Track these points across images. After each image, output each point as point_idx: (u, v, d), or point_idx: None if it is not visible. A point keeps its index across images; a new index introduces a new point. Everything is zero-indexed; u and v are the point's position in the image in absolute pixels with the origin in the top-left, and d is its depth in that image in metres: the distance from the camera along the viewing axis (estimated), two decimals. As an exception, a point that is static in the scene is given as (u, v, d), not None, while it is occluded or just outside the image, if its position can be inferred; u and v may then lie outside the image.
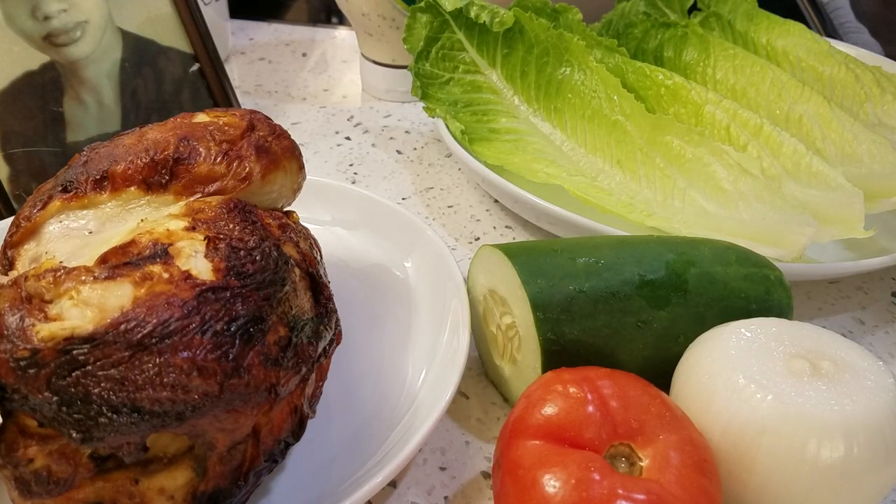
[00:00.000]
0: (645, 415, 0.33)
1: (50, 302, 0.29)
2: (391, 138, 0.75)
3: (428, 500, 0.40)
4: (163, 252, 0.31)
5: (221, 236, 0.33)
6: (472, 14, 0.61)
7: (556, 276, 0.40)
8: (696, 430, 0.34)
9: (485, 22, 0.61)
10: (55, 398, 0.27)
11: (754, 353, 0.36)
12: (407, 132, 0.76)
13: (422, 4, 0.64)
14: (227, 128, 0.40)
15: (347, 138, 0.75)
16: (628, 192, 0.55)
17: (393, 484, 0.41)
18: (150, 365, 0.28)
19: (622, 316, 0.40)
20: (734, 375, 0.35)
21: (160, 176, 0.37)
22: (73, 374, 0.27)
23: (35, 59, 0.59)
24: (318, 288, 0.37)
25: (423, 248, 0.51)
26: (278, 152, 0.41)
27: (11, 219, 0.44)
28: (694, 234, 0.51)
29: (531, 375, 0.40)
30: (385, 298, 0.50)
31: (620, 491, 0.30)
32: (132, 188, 0.37)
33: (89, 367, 0.27)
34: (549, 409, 0.34)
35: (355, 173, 0.69)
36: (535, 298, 0.39)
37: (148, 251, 0.31)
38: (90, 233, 0.36)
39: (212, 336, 0.29)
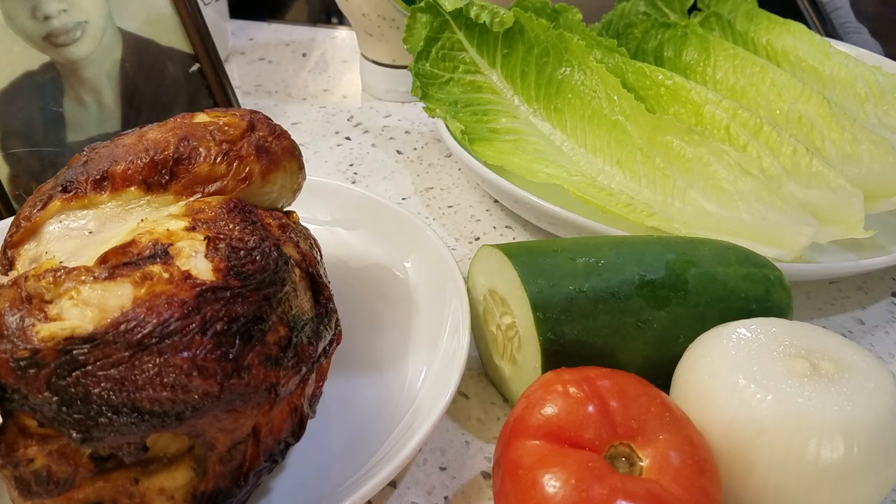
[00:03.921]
0: (645, 415, 0.33)
1: (50, 302, 0.29)
2: (391, 138, 0.75)
3: (428, 500, 0.40)
4: (163, 252, 0.31)
5: (221, 236, 0.33)
6: (472, 14, 0.61)
7: (556, 276, 0.40)
8: (696, 430, 0.34)
9: (485, 22, 0.61)
10: (55, 398, 0.27)
11: (754, 353, 0.36)
12: (407, 132, 0.76)
13: (422, 4, 0.64)
14: (227, 128, 0.40)
15: (347, 138, 0.75)
16: (628, 192, 0.55)
17: (393, 484, 0.41)
18: (150, 365, 0.28)
19: (622, 316, 0.40)
20: (734, 375, 0.35)
21: (160, 176, 0.37)
22: (73, 374, 0.27)
23: (35, 59, 0.59)
24: (318, 288, 0.37)
25: (423, 248, 0.51)
26: (278, 152, 0.41)
27: (11, 219, 0.44)
28: (694, 234, 0.51)
29: (531, 375, 0.40)
30: (385, 298, 0.50)
31: (620, 491, 0.30)
32: (132, 188, 0.37)
33: (89, 367, 0.27)
34: (549, 409, 0.34)
35: (355, 173, 0.69)
36: (535, 298, 0.39)
37: (148, 251, 0.31)
38: (90, 233, 0.36)
39: (212, 336, 0.29)
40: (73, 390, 0.27)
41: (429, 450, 0.42)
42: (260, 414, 0.31)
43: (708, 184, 0.52)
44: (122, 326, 0.28)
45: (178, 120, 0.41)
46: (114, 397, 0.27)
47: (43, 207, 0.36)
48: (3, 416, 0.29)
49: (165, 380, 0.28)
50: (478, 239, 0.61)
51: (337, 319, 0.38)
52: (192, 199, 0.37)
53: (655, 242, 0.43)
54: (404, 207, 0.58)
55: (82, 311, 0.28)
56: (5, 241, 0.37)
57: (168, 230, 0.33)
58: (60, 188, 0.37)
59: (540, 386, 0.36)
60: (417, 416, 0.39)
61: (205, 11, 0.72)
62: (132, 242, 0.32)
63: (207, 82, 0.68)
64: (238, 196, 0.38)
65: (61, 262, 0.33)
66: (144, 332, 0.28)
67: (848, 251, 0.56)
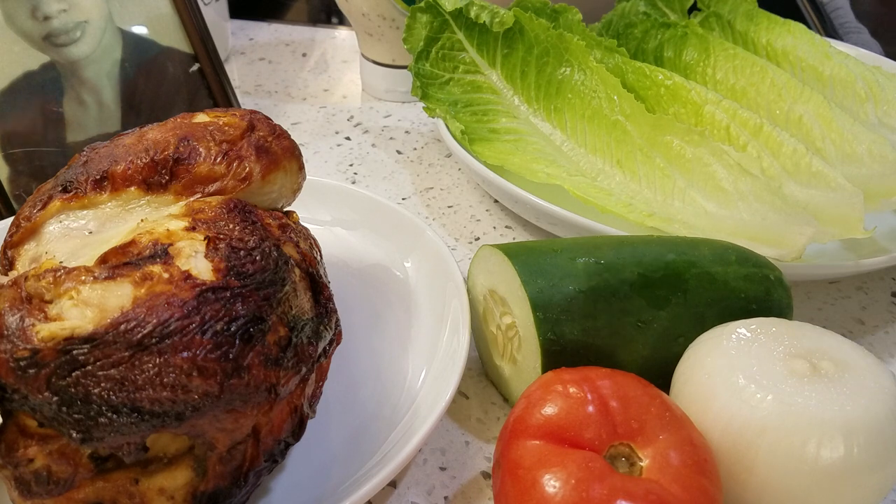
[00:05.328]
0: (645, 415, 0.33)
1: (50, 302, 0.29)
2: (391, 138, 0.75)
3: (428, 500, 0.40)
4: (163, 252, 0.31)
5: (221, 236, 0.33)
6: (472, 14, 0.61)
7: (556, 276, 0.40)
8: (696, 430, 0.34)
9: (485, 22, 0.61)
10: (55, 398, 0.27)
11: (754, 353, 0.36)
12: (407, 132, 0.76)
13: (422, 4, 0.64)
14: (227, 128, 0.40)
15: (347, 138, 0.75)
16: (628, 192, 0.55)
17: (393, 484, 0.41)
18: (150, 365, 0.28)
19: (622, 316, 0.40)
20: (734, 375, 0.35)
21: (160, 176, 0.37)
22: (73, 375, 0.27)
23: (35, 59, 0.59)
24: (318, 288, 0.37)
25: (423, 248, 0.51)
26: (278, 152, 0.41)
27: (11, 219, 0.44)
28: (694, 234, 0.51)
29: (531, 375, 0.40)
30: (385, 298, 0.50)
31: (620, 491, 0.30)
32: (132, 188, 0.37)
33: (89, 368, 0.27)
34: (549, 409, 0.34)
35: (355, 173, 0.69)
36: (535, 298, 0.39)
37: (148, 251, 0.31)
38: (90, 233, 0.36)
39: (212, 336, 0.29)
40: (73, 390, 0.27)
41: (429, 450, 0.42)
42: (260, 414, 0.31)
43: (708, 184, 0.52)
44: (122, 326, 0.28)
45: (178, 120, 0.41)
46: (114, 397, 0.27)
47: (43, 207, 0.36)
48: (3, 416, 0.29)
49: (165, 380, 0.28)
50: (478, 239, 0.61)
51: (337, 319, 0.38)
52: (191, 199, 0.37)
53: (655, 242, 0.43)
54: (404, 207, 0.58)
55: (82, 311, 0.28)
56: (5, 241, 0.37)
57: (168, 230, 0.33)
58: (60, 188, 0.37)
59: (540, 386, 0.36)
60: (417, 416, 0.39)
61: (205, 11, 0.72)
62: (132, 242, 0.32)
63: (207, 82, 0.68)
64: (238, 196, 0.38)
65: (61, 262, 0.33)
66: (144, 332, 0.28)
67: (848, 251, 0.56)
